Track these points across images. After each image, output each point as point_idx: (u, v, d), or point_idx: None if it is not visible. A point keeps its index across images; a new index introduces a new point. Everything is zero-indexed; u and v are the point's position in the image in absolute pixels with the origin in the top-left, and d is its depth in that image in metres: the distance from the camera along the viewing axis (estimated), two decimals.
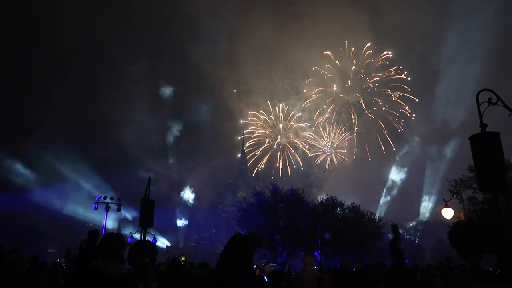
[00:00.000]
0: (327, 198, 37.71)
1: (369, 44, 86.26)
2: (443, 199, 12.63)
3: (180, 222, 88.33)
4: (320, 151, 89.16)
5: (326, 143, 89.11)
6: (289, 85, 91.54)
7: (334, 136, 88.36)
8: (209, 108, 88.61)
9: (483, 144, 5.34)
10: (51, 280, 7.12)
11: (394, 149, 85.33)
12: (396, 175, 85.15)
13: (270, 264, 22.11)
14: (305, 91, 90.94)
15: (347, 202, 38.75)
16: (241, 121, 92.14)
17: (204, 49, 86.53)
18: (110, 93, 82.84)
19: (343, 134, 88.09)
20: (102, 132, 78.70)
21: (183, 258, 14.93)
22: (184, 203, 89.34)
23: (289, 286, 8.08)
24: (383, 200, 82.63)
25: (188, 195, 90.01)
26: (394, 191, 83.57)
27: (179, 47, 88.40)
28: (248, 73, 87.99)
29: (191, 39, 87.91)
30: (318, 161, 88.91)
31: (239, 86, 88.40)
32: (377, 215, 39.18)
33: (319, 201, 37.77)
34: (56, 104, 75.23)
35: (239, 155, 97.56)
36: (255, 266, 14.79)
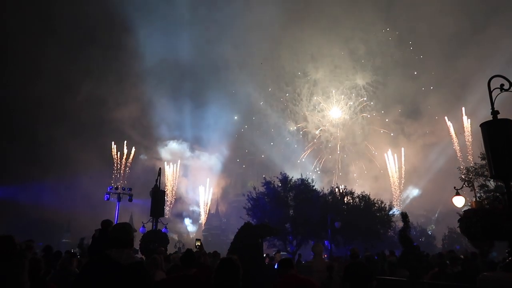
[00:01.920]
0: (337, 187, 37.74)
1: (387, 29, 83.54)
2: (454, 187, 12.56)
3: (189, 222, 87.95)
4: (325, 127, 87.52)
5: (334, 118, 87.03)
6: (296, 67, 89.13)
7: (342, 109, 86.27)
8: (213, 91, 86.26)
9: (495, 131, 5.28)
10: (65, 269, 7.28)
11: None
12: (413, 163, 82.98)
13: (281, 253, 22.29)
14: (310, 75, 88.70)
15: (359, 191, 38.75)
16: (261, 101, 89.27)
17: (208, 29, 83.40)
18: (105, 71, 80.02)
19: (356, 114, 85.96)
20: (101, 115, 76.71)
21: (198, 244, 15.02)
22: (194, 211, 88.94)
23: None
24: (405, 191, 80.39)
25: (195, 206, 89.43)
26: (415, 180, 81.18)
27: (176, 25, 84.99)
28: (253, 54, 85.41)
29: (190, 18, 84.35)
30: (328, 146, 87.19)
31: (245, 67, 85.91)
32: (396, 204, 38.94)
33: (329, 190, 37.75)
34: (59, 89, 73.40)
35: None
36: (265, 255, 14.92)
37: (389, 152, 78.50)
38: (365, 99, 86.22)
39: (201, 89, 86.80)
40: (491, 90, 5.54)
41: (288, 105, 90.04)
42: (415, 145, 78.48)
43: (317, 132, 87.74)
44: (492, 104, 5.45)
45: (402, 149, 78.02)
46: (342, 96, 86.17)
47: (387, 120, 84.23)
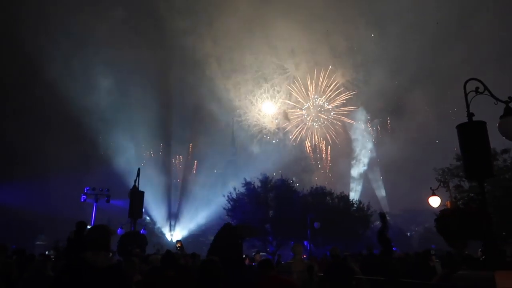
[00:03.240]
0: (316, 188, 38.15)
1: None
2: (430, 188, 12.89)
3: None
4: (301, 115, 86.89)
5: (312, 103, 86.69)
6: (275, 63, 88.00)
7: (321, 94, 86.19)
8: (191, 86, 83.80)
9: (470, 133, 5.40)
10: (39, 272, 7.06)
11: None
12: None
13: (261, 253, 22.35)
14: (289, 71, 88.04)
15: (337, 191, 39.32)
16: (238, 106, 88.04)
17: (181, 21, 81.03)
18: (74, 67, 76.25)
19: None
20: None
21: (179, 245, 14.80)
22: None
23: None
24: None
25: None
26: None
27: (153, 16, 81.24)
28: (230, 49, 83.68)
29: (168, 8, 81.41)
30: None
31: (221, 63, 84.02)
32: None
33: (309, 190, 38.11)
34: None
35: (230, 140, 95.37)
36: (244, 256, 14.88)
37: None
38: (348, 94, 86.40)
39: (177, 85, 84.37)
40: (467, 92, 5.68)
41: (268, 103, 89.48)
42: (397, 142, 79.39)
43: (297, 129, 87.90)
44: (468, 106, 5.58)
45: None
46: (322, 93, 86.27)
47: (368, 117, 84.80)
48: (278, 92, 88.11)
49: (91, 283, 3.24)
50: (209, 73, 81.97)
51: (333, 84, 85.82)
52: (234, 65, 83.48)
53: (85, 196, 28.96)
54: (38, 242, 60.52)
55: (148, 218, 62.14)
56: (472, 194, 19.05)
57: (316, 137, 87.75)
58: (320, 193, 37.43)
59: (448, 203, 13.88)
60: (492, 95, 5.52)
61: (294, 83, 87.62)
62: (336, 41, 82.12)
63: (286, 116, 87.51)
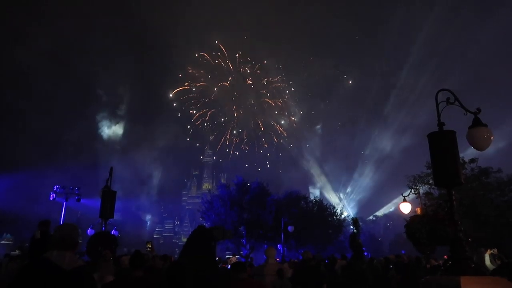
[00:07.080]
0: (291, 191, 38.40)
1: None
2: (402, 194, 13.16)
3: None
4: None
5: None
6: (239, 49, 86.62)
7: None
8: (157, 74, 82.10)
9: (440, 141, 5.55)
10: None
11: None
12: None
13: (236, 256, 22.23)
14: (250, 61, 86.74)
15: (312, 195, 39.71)
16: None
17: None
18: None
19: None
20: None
21: (149, 246, 14.57)
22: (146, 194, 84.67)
23: (252, 278, 8.13)
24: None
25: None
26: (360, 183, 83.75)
27: None
28: (201, 30, 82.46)
29: None
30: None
31: (189, 48, 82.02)
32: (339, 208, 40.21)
33: (284, 194, 38.31)
34: None
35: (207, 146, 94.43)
36: (217, 258, 14.79)
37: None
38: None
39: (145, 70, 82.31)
40: (438, 103, 5.83)
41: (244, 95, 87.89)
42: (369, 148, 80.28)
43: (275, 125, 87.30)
44: (439, 116, 5.73)
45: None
46: (301, 90, 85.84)
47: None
48: (252, 85, 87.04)
49: (54, 285, 3.11)
50: (177, 59, 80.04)
51: (310, 78, 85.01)
52: (205, 48, 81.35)
53: (54, 195, 28.04)
54: (2, 242, 58.25)
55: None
56: (441, 201, 19.59)
57: (297, 140, 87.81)
58: (294, 197, 37.69)
59: (418, 210, 14.26)
60: (461, 106, 5.68)
61: (268, 74, 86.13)
62: (316, 29, 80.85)
63: (263, 111, 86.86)
